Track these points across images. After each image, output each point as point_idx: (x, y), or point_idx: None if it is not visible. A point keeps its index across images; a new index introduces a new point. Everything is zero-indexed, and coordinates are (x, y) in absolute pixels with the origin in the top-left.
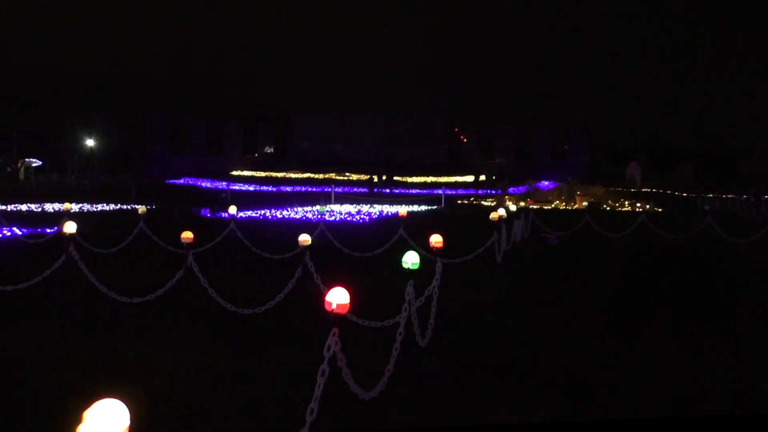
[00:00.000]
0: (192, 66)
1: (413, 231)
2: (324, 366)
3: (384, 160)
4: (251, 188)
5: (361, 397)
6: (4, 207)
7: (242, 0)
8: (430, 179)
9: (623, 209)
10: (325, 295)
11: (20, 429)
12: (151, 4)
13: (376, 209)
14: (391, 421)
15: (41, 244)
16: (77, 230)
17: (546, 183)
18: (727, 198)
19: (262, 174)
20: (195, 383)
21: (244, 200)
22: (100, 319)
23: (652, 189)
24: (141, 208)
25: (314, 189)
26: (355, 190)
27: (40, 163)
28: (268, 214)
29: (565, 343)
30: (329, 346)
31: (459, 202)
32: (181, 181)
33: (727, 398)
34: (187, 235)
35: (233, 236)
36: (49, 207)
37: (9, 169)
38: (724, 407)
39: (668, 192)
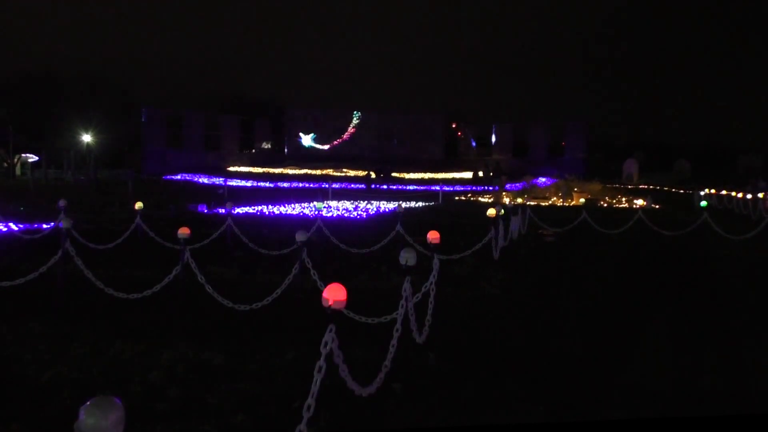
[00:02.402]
0: (189, 63)
1: (410, 227)
2: (321, 362)
3: (381, 157)
4: (248, 184)
5: (358, 393)
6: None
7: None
8: (427, 176)
9: (620, 206)
10: (322, 291)
11: (16, 425)
12: (149, 0)
13: (374, 205)
14: (388, 417)
15: (38, 240)
16: (74, 226)
17: (543, 179)
18: (723, 195)
19: (260, 170)
20: (191, 379)
21: (241, 196)
22: (96, 315)
23: (649, 186)
24: (138, 204)
25: (312, 185)
26: (352, 186)
27: (37, 158)
28: (265, 210)
29: (563, 340)
30: (326, 342)
31: (456, 198)
32: (178, 177)
33: (724, 397)
34: (183, 230)
35: (230, 232)
36: (45, 203)
37: (5, 165)
38: (720, 406)
39: (665, 189)
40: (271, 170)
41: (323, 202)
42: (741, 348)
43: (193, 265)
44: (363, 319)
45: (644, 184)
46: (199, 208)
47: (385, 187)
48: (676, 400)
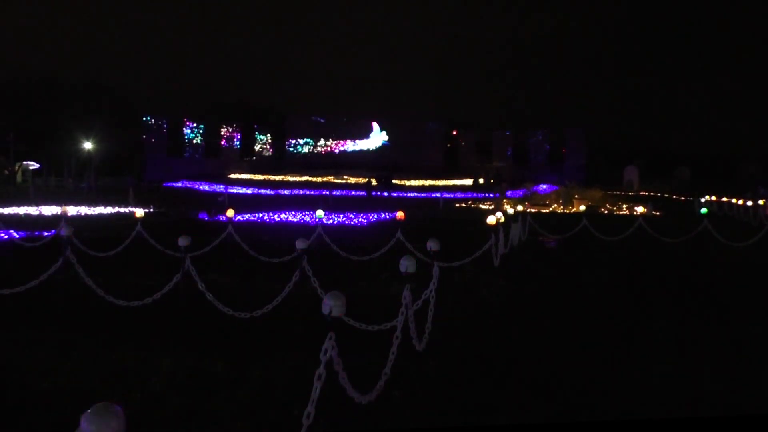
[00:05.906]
0: (190, 69)
1: (411, 234)
2: (321, 370)
3: (382, 164)
4: (249, 191)
5: (358, 400)
6: (1, 210)
7: (240, 4)
8: (428, 183)
9: (621, 213)
10: (322, 298)
11: None
12: (150, 8)
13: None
14: (388, 424)
15: (38, 248)
16: (74, 233)
17: (544, 186)
18: (723, 202)
19: (260, 177)
20: (192, 387)
21: (242, 203)
22: (96, 323)
23: (649, 192)
24: (138, 212)
25: (312, 192)
26: (353, 193)
27: (38, 166)
28: (266, 217)
29: (563, 347)
30: (326, 350)
31: (457, 205)
32: (179, 184)
33: (724, 400)
34: (184, 238)
35: (231, 240)
36: (47, 210)
37: (6, 172)
38: (720, 409)
39: (665, 195)
40: (272, 177)
41: (323, 211)
42: (741, 353)
43: (193, 273)
44: (363, 326)
45: (645, 191)
46: (200, 215)
47: (386, 194)
48: (676, 402)
